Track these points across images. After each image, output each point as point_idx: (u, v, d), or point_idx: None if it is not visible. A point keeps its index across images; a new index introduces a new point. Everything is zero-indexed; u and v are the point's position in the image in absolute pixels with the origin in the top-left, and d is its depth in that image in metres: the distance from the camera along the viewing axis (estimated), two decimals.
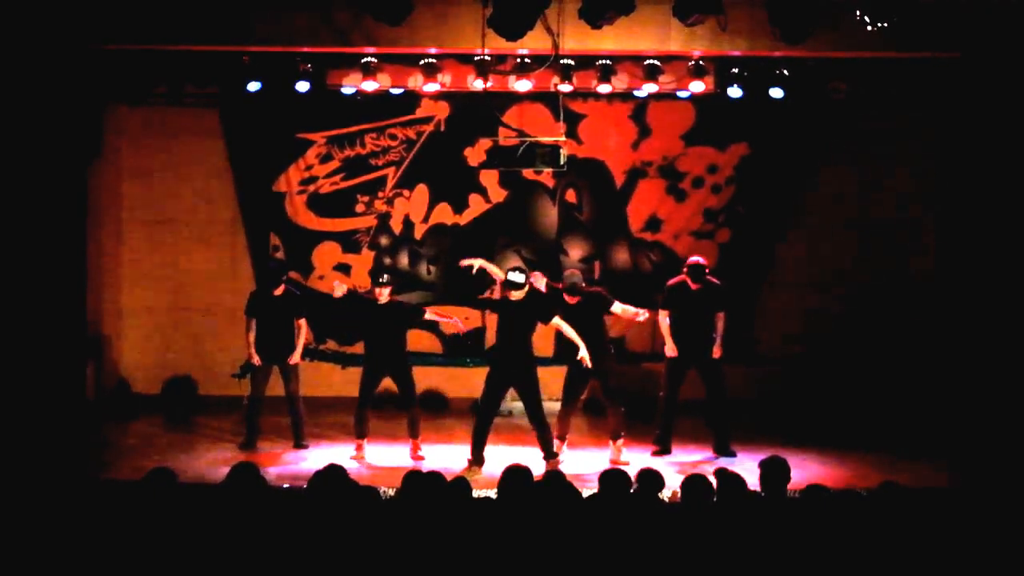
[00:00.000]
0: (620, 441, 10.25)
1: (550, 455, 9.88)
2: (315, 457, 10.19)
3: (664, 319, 10.55)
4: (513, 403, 12.38)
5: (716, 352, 10.47)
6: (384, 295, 10.37)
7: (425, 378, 10.75)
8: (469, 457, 9.86)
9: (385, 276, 10.53)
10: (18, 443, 10.04)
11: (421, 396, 10.72)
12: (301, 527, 5.94)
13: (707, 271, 10.52)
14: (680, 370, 10.55)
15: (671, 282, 10.65)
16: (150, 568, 5.78)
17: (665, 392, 10.62)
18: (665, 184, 13.12)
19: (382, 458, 10.37)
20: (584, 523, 6.02)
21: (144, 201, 13.06)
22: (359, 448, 10.37)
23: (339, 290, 10.38)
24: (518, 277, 9.75)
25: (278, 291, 10.71)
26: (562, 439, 10.22)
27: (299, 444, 10.72)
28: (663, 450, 10.51)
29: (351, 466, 9.85)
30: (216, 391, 12.60)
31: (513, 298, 9.81)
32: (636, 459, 10.05)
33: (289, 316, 10.72)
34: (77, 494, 6.54)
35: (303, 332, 10.79)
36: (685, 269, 10.55)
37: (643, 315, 10.19)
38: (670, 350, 10.52)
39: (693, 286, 10.45)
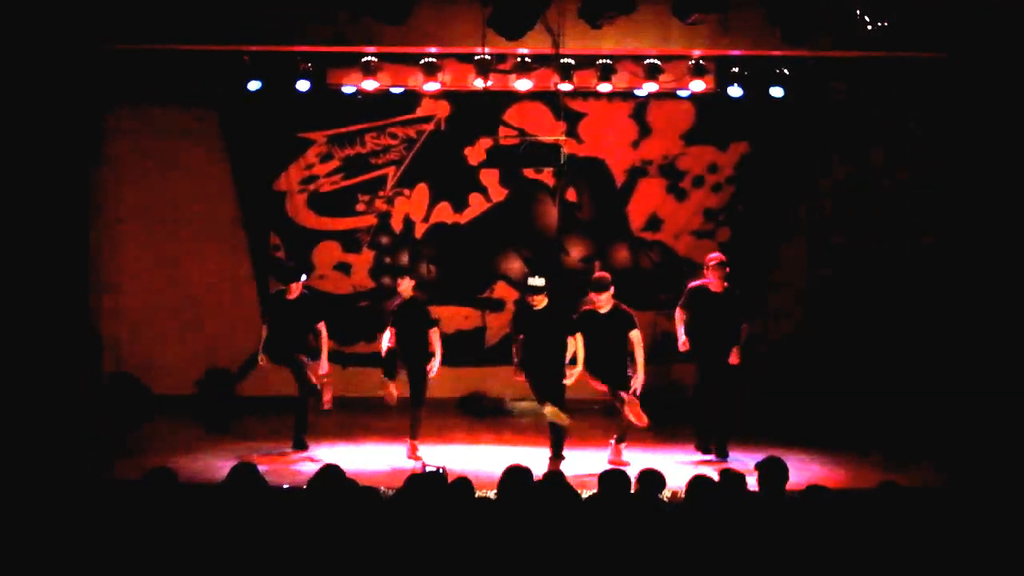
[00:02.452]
0: (622, 443, 10.25)
1: (557, 455, 9.84)
2: (315, 457, 10.20)
3: (680, 317, 10.51)
4: (516, 403, 12.39)
5: (733, 358, 10.42)
6: (407, 287, 10.38)
7: None
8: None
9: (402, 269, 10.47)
10: (19, 442, 10.05)
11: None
12: (301, 527, 5.95)
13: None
14: (707, 372, 10.44)
15: (692, 284, 10.51)
16: (150, 568, 5.79)
17: (694, 395, 10.59)
18: (665, 183, 13.10)
19: (381, 458, 10.38)
20: (584, 523, 6.03)
21: (144, 201, 13.01)
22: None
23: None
24: (538, 281, 9.78)
25: (293, 295, 10.65)
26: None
27: (299, 444, 10.72)
28: (706, 451, 10.43)
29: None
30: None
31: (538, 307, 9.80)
32: (636, 459, 10.06)
33: (302, 319, 10.65)
34: (78, 493, 6.54)
35: (324, 337, 10.69)
36: (708, 269, 10.36)
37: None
38: (682, 344, 10.48)
39: (715, 289, 10.36)
